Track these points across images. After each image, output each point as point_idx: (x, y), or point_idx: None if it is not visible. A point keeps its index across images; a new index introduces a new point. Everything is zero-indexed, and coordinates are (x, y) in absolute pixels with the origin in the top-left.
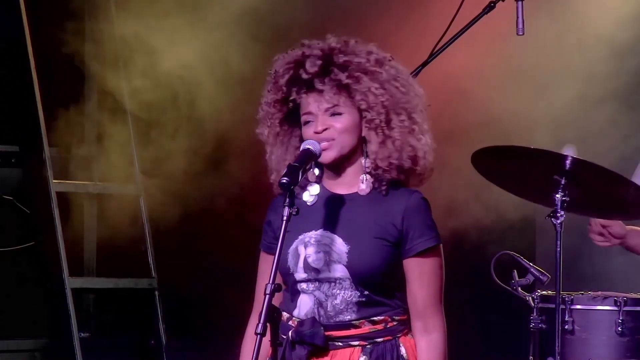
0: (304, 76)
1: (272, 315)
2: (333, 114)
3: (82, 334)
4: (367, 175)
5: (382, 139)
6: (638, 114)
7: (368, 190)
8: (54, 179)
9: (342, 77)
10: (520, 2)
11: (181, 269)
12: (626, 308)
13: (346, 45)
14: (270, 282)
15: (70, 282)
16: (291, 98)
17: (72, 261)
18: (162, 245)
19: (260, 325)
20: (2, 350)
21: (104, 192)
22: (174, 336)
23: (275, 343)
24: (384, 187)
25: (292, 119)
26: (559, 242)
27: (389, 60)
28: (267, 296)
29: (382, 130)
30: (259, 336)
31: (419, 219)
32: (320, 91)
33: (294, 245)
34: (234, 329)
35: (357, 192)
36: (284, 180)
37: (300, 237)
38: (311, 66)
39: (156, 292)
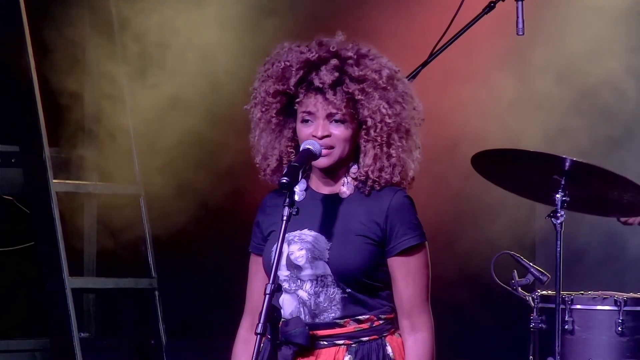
0: (317, 83)
1: (272, 315)
2: (334, 121)
3: (82, 334)
4: (349, 178)
5: (379, 154)
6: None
7: (349, 192)
8: (54, 179)
9: (355, 91)
10: (520, 2)
11: (181, 269)
12: (626, 308)
13: (359, 56)
14: (271, 282)
15: (70, 282)
16: (297, 100)
17: (72, 261)
18: (162, 245)
19: (260, 325)
20: (2, 350)
21: (104, 192)
22: (174, 336)
23: (275, 343)
24: (367, 189)
25: (288, 109)
26: (559, 242)
27: (396, 72)
28: (267, 296)
29: (381, 146)
30: (259, 336)
31: (403, 218)
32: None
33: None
34: (233, 329)
35: (338, 194)
36: (284, 180)
37: (285, 235)
38: (327, 75)
39: (156, 292)
